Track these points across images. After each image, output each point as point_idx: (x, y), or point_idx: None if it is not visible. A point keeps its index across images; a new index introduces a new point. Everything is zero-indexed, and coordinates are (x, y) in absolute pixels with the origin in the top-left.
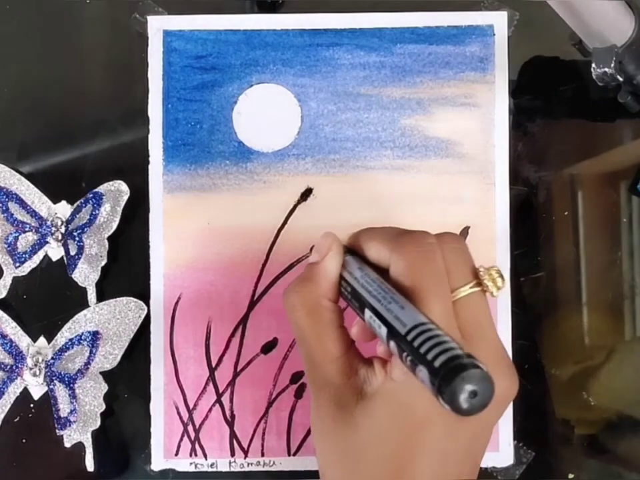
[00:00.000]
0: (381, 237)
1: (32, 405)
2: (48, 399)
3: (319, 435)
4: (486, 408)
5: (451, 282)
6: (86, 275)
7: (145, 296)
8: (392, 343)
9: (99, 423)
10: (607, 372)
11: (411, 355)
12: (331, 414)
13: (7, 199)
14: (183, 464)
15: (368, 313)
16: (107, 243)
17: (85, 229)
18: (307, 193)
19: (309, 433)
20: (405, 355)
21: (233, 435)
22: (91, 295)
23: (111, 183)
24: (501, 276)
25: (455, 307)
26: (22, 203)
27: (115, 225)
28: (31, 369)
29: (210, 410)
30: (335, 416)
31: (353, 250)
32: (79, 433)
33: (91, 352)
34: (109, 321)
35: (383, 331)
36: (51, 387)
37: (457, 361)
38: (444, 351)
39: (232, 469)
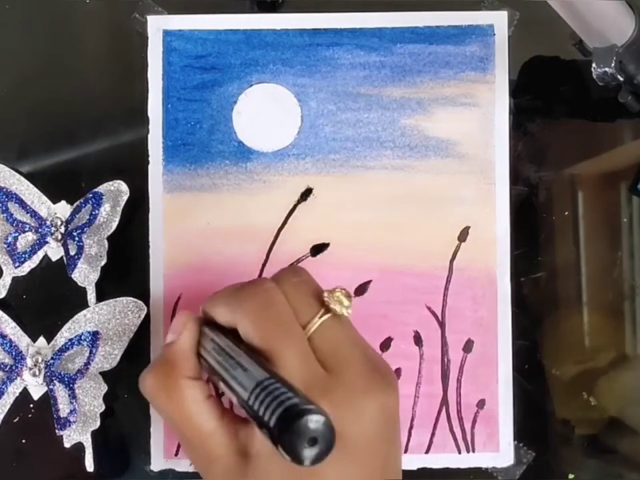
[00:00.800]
0: (222, 300)
1: (32, 405)
2: (48, 399)
3: None
4: (331, 450)
5: (300, 318)
6: (85, 275)
7: (144, 296)
8: (245, 411)
9: (98, 423)
10: (611, 379)
11: (255, 419)
12: None
13: (6, 199)
14: (183, 464)
15: (222, 386)
16: (106, 243)
17: (85, 229)
18: (306, 193)
19: None
20: (254, 420)
21: None
22: (91, 295)
23: (110, 182)
24: (347, 295)
25: (312, 341)
26: (21, 203)
27: (114, 225)
28: (30, 369)
29: None
30: None
31: (209, 321)
32: (78, 433)
33: (90, 352)
34: (108, 321)
35: (235, 400)
36: (51, 387)
37: (289, 414)
38: (277, 406)
39: None
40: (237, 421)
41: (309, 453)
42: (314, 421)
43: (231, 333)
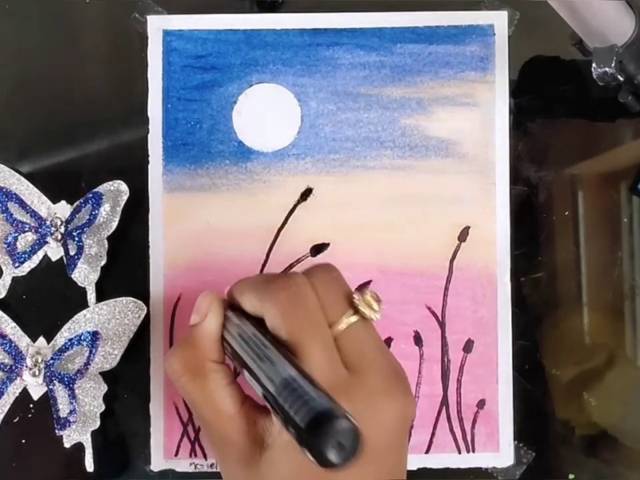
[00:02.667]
0: (251, 288)
1: (31, 406)
2: (47, 399)
3: None
4: (356, 456)
5: (328, 316)
6: (85, 275)
7: (144, 296)
8: (267, 404)
9: (98, 424)
10: (610, 379)
11: (280, 414)
12: (240, 472)
13: (6, 199)
14: (183, 464)
15: (246, 374)
16: (106, 242)
17: (85, 229)
18: (306, 193)
19: None
20: (278, 414)
21: None
22: (91, 295)
23: (110, 182)
24: (377, 299)
25: (338, 341)
26: (21, 203)
27: (114, 225)
28: (30, 369)
29: None
30: (242, 473)
31: (234, 305)
32: (78, 434)
33: (90, 352)
34: (108, 321)
35: (259, 391)
36: (51, 387)
37: (319, 417)
38: (306, 406)
39: None
40: (255, 408)
41: (334, 457)
42: (343, 427)
43: (255, 321)
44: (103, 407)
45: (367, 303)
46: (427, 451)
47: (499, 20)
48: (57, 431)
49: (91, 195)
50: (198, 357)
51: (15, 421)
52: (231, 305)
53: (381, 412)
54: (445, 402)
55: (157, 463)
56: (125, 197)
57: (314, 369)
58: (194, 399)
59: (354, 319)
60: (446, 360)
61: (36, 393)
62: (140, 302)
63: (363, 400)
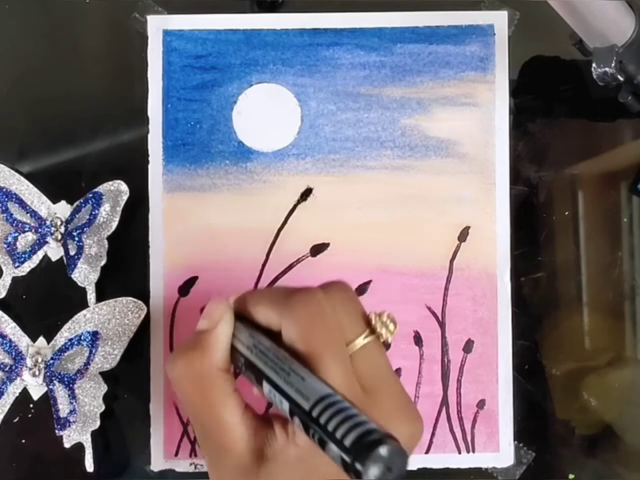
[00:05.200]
0: (269, 300)
1: (31, 406)
2: (47, 400)
3: None
4: (403, 478)
5: (345, 335)
6: (85, 275)
7: (144, 296)
8: (296, 419)
9: (98, 424)
10: (609, 378)
11: (319, 433)
12: None
13: (6, 199)
14: (183, 464)
15: (267, 387)
16: (106, 242)
17: (85, 229)
18: (306, 193)
19: None
20: (312, 432)
21: None
22: (91, 295)
23: (110, 182)
24: (393, 321)
25: (353, 360)
26: (21, 203)
27: (114, 225)
28: (30, 369)
29: None
30: None
31: (240, 315)
32: (78, 434)
33: (90, 352)
34: (108, 321)
35: (285, 405)
36: (51, 387)
37: (368, 438)
38: (353, 426)
39: None
40: (255, 418)
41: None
42: (392, 451)
43: (266, 333)
44: (103, 407)
45: (384, 323)
46: (427, 451)
47: (499, 20)
48: (56, 431)
49: (90, 195)
50: (204, 364)
51: (15, 421)
52: (238, 315)
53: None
54: (445, 402)
55: (157, 463)
56: (125, 197)
57: (332, 385)
58: (196, 406)
59: (369, 339)
60: (446, 360)
61: (36, 393)
62: (140, 302)
63: (378, 421)
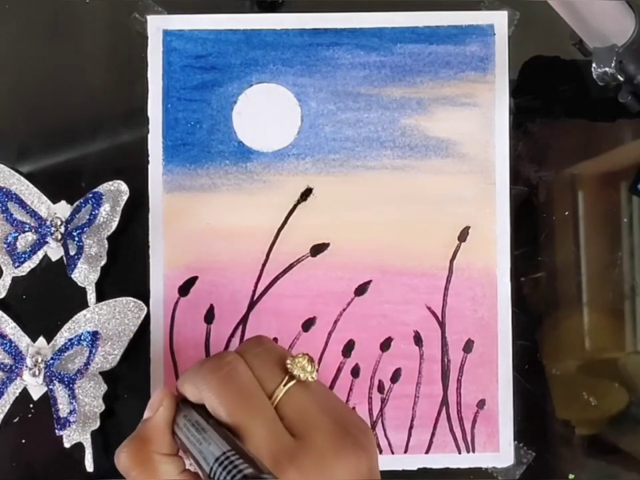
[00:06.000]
0: (188, 376)
1: (31, 405)
2: (47, 399)
3: None
4: None
5: (266, 387)
6: (85, 275)
7: (144, 296)
8: None
9: (98, 424)
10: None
11: None
12: None
13: (6, 199)
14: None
15: (192, 460)
16: (106, 242)
17: (85, 229)
18: (306, 193)
19: None
20: None
21: None
22: (91, 295)
23: (110, 182)
24: (310, 360)
25: (279, 409)
26: (21, 203)
27: (114, 225)
28: (30, 369)
29: None
30: None
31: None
32: (78, 434)
33: (90, 352)
34: (108, 321)
35: (203, 474)
36: (51, 387)
37: None
38: (236, 477)
39: None
40: None
41: None
42: None
43: (203, 408)
44: (103, 407)
45: (300, 366)
46: (427, 451)
47: (499, 20)
48: (56, 431)
49: (90, 195)
50: (147, 450)
51: (15, 421)
52: (182, 398)
53: (332, 474)
54: (445, 402)
55: None
56: (125, 197)
57: (258, 444)
58: None
59: (290, 384)
60: (446, 360)
61: (36, 393)
62: (140, 302)
63: (312, 465)
